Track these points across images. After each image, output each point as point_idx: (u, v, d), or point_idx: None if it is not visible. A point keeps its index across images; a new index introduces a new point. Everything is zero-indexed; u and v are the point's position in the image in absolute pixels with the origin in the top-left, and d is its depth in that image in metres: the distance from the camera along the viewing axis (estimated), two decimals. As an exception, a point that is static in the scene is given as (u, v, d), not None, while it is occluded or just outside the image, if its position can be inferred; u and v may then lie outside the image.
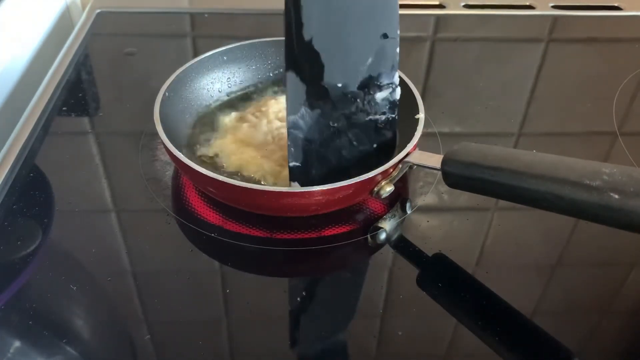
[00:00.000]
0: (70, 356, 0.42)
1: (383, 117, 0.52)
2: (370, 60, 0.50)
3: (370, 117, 0.52)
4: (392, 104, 0.52)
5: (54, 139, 0.62)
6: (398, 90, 0.52)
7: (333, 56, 0.47)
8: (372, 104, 0.51)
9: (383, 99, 0.52)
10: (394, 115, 0.53)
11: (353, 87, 0.50)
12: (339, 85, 0.49)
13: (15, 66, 0.72)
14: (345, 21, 0.47)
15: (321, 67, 0.47)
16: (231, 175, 0.54)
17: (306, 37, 0.46)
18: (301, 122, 0.48)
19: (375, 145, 0.53)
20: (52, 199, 0.54)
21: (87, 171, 0.57)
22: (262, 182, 0.53)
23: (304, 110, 0.48)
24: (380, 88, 0.51)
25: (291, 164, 0.49)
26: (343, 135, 0.51)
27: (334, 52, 0.47)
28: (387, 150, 0.54)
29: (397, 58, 0.51)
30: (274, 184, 0.53)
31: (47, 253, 0.49)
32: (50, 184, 0.56)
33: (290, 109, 0.47)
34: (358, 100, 0.50)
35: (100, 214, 0.54)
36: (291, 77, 0.46)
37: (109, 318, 0.46)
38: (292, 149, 0.48)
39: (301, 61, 0.46)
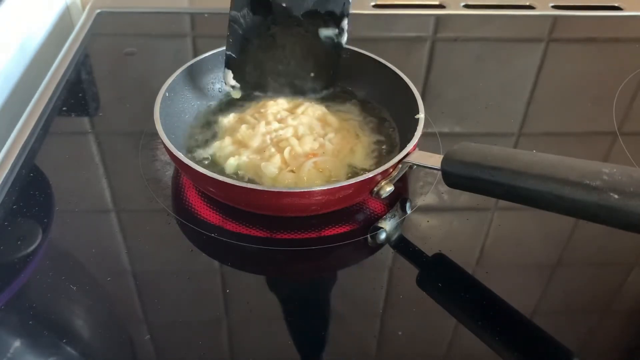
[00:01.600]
0: (70, 356, 0.42)
1: (323, 54, 0.56)
2: None
3: (311, 47, 0.56)
4: (336, 46, 0.56)
5: (54, 139, 0.62)
6: (345, 37, 0.56)
7: None
8: (315, 36, 0.55)
9: (327, 37, 0.55)
10: (336, 56, 0.57)
11: (297, 12, 0.53)
12: (283, 4, 0.52)
13: (16, 66, 0.72)
14: None
15: None
16: (229, 177, 0.54)
17: None
18: (242, 20, 0.52)
19: (311, 74, 0.58)
20: (52, 199, 0.54)
21: (87, 171, 0.57)
22: (259, 184, 0.53)
23: (246, 11, 0.51)
24: (325, 25, 0.55)
25: (227, 52, 0.53)
26: (280, 50, 0.55)
27: None
28: (321, 84, 0.59)
29: (349, 7, 0.55)
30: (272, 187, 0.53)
31: (47, 253, 0.49)
32: (50, 184, 0.56)
33: (235, 5, 0.51)
34: (301, 26, 0.54)
35: (100, 214, 0.54)
36: None
37: (109, 318, 0.46)
38: (231, 39, 0.52)
39: None
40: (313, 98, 0.61)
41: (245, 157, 0.54)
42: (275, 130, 0.57)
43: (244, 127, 0.57)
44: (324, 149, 0.55)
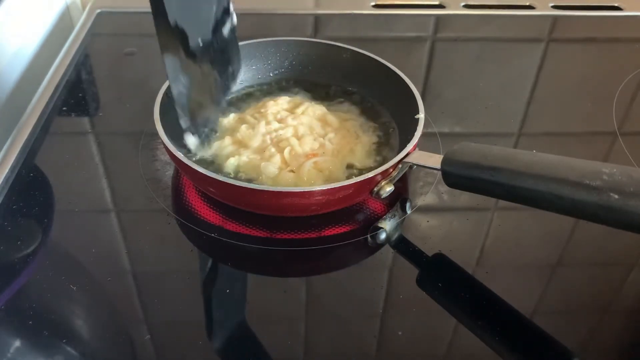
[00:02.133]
0: (70, 356, 0.42)
1: (230, 45, 0.58)
2: (214, 8, 0.55)
3: (223, 50, 0.57)
4: (232, 30, 0.58)
5: (54, 139, 0.62)
6: (235, 16, 0.57)
7: (192, 23, 0.52)
8: (222, 39, 0.57)
9: (227, 31, 0.57)
10: (234, 37, 0.59)
11: (209, 37, 0.55)
12: (200, 42, 0.54)
13: (16, 66, 0.72)
14: None
15: (186, 37, 0.52)
16: (229, 176, 0.54)
17: (172, 22, 0.50)
18: (183, 89, 0.52)
19: (230, 69, 0.60)
20: (52, 199, 0.54)
21: (87, 171, 0.57)
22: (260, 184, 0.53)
23: (182, 78, 0.52)
24: (224, 24, 0.56)
25: (184, 125, 0.54)
26: (210, 77, 0.57)
27: (192, 20, 0.52)
28: (237, 67, 0.61)
29: None
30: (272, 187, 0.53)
31: (47, 253, 0.49)
32: (50, 184, 0.56)
33: (173, 82, 0.52)
34: (214, 43, 0.55)
35: (100, 214, 0.54)
36: (169, 58, 0.51)
37: (109, 318, 0.46)
38: (182, 112, 0.53)
39: (172, 42, 0.51)
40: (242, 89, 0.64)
41: (245, 157, 0.54)
42: (275, 130, 0.57)
43: (243, 127, 0.57)
44: (324, 149, 0.55)
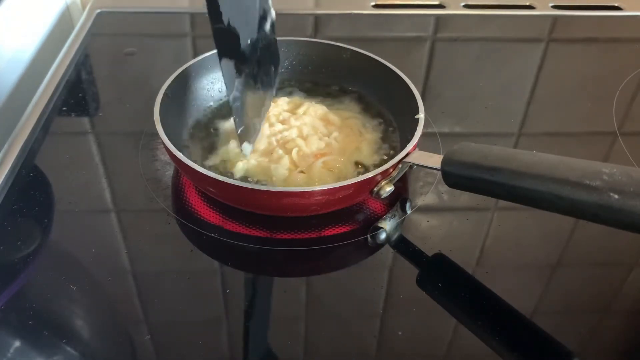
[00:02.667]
0: (70, 356, 0.42)
1: (271, 41, 0.57)
2: (257, 5, 0.54)
3: (265, 47, 0.56)
4: (272, 25, 0.57)
5: (54, 139, 0.62)
6: (273, 10, 0.56)
7: (242, 22, 0.51)
8: (264, 36, 0.56)
9: (268, 27, 0.56)
10: (274, 34, 0.58)
11: (254, 35, 0.54)
12: (249, 42, 0.53)
13: (16, 66, 0.72)
14: None
15: (237, 38, 0.51)
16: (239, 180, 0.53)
17: (225, 21, 0.49)
18: (238, 94, 0.52)
19: (272, 67, 0.59)
20: (52, 199, 0.54)
21: (87, 171, 0.57)
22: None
23: (237, 82, 0.52)
24: (265, 20, 0.55)
25: (239, 131, 0.52)
26: (258, 77, 0.56)
27: (241, 19, 0.51)
28: (277, 61, 0.60)
29: None
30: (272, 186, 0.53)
31: (47, 253, 0.49)
32: (50, 184, 0.56)
33: (229, 87, 0.51)
34: (259, 43, 0.55)
35: (100, 214, 0.54)
36: (225, 62, 0.50)
37: (109, 318, 0.46)
38: (238, 120, 0.52)
39: (227, 44, 0.50)
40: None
41: (253, 161, 0.54)
42: (280, 132, 0.57)
43: None
44: (331, 148, 0.55)
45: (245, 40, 0.52)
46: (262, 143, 0.56)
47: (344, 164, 0.54)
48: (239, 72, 0.52)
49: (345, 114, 0.61)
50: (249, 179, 0.54)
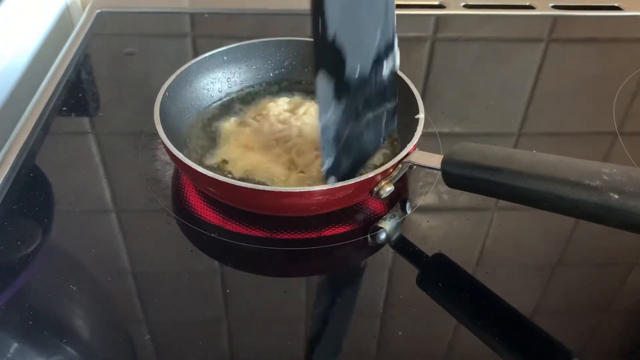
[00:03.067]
0: (70, 356, 0.42)
1: (388, 87, 0.53)
2: (378, 36, 0.49)
3: (379, 90, 0.52)
4: (392, 73, 0.53)
5: (54, 139, 0.62)
6: (398, 56, 0.52)
7: (352, 46, 0.46)
8: (380, 79, 0.51)
9: (387, 72, 0.52)
10: (394, 82, 0.53)
11: (366, 69, 0.49)
12: (357, 72, 0.48)
13: (16, 66, 0.72)
14: (358, 6, 0.46)
15: (343, 60, 0.46)
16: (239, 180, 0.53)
17: (330, 35, 0.44)
18: (332, 122, 0.47)
19: (385, 117, 0.54)
20: (52, 199, 0.54)
21: (87, 171, 0.57)
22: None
23: (333, 106, 0.46)
24: (385, 60, 0.51)
25: (326, 165, 0.48)
26: (362, 118, 0.50)
27: (352, 42, 0.46)
28: (392, 117, 0.55)
29: (395, 19, 0.51)
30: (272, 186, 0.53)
31: (47, 253, 0.49)
32: (50, 184, 0.56)
33: (322, 109, 0.46)
34: (372, 79, 0.50)
35: (100, 214, 0.54)
36: (322, 77, 0.45)
37: (109, 318, 0.46)
38: (326, 149, 0.47)
39: (329, 58, 0.45)
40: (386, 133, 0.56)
41: (253, 160, 0.54)
42: (280, 131, 0.57)
43: (247, 130, 0.57)
44: None
45: (353, 67, 0.47)
46: (262, 143, 0.56)
47: None
48: (337, 99, 0.46)
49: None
50: (248, 175, 0.54)
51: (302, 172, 0.53)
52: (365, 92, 0.50)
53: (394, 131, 0.57)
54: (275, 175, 0.53)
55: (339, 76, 0.46)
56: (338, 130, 0.48)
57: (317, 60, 0.44)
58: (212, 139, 0.59)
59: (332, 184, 0.48)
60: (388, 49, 0.51)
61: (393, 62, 0.52)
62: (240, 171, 0.54)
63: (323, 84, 0.45)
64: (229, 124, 0.60)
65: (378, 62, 0.50)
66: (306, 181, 0.53)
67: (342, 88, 0.47)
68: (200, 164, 0.53)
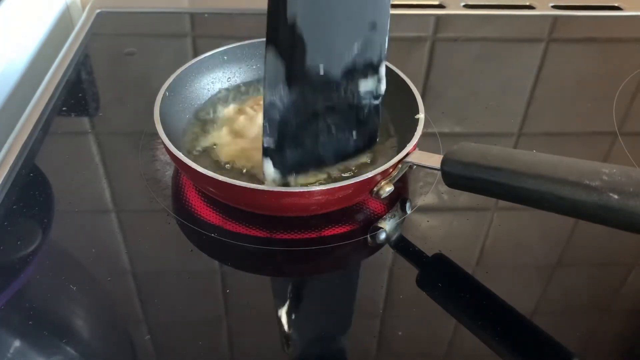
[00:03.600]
0: (70, 356, 0.42)
1: (365, 109, 0.52)
2: (356, 48, 0.48)
3: (351, 106, 0.51)
4: (377, 97, 0.52)
5: (54, 139, 0.62)
6: (384, 84, 0.52)
7: (317, 39, 0.45)
8: (355, 93, 0.50)
9: (366, 91, 0.51)
10: (377, 107, 0.52)
11: (336, 74, 0.48)
12: (321, 69, 0.47)
13: (15, 66, 0.72)
14: (332, 4, 0.45)
15: (303, 48, 0.45)
16: (224, 165, 0.55)
17: (289, 15, 0.43)
18: (279, 102, 0.47)
19: (354, 136, 0.52)
20: (52, 199, 0.54)
21: (87, 171, 0.57)
22: (257, 175, 0.53)
23: (282, 89, 0.46)
24: (365, 78, 0.50)
25: (266, 144, 0.48)
26: (321, 121, 0.50)
27: (318, 36, 0.45)
28: (366, 142, 0.54)
29: (385, 50, 0.50)
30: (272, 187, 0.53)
31: (47, 253, 0.49)
32: (50, 184, 0.56)
33: (269, 85, 0.46)
34: (340, 88, 0.49)
35: (100, 214, 0.54)
36: (271, 52, 0.45)
37: (109, 318, 0.46)
38: (268, 128, 0.47)
39: (283, 39, 0.44)
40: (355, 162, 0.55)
41: (240, 147, 0.55)
42: None
43: (242, 118, 0.58)
44: None
45: (316, 64, 0.46)
46: (252, 131, 0.56)
47: None
48: (290, 84, 0.46)
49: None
50: (227, 165, 0.55)
51: None
52: (329, 97, 0.49)
53: (369, 157, 0.55)
54: (257, 164, 0.53)
55: (294, 64, 0.46)
56: (285, 116, 0.47)
57: (268, 33, 0.44)
58: (211, 122, 0.60)
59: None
60: (368, 69, 0.50)
61: (375, 86, 0.51)
62: (226, 156, 0.55)
63: (271, 60, 0.45)
64: (227, 110, 0.60)
65: (351, 76, 0.49)
66: None
67: (297, 78, 0.46)
68: (192, 147, 0.55)
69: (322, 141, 0.51)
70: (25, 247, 0.49)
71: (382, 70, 0.51)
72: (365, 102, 0.51)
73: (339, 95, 0.49)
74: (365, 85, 0.50)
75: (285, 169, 0.50)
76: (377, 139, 0.55)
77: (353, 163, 0.54)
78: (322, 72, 0.47)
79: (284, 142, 0.48)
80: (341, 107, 0.50)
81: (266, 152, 0.49)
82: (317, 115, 0.49)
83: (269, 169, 0.50)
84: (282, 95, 0.46)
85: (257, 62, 0.65)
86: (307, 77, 0.47)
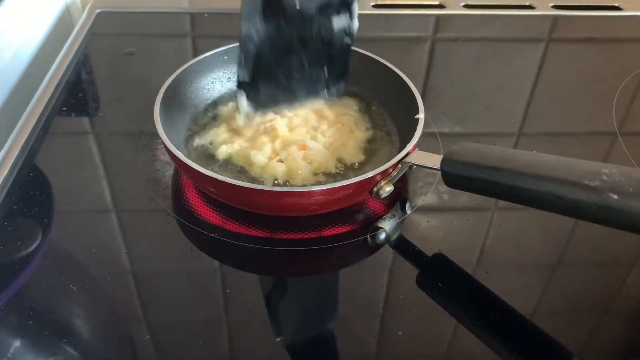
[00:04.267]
0: (70, 356, 0.42)
1: (337, 45, 0.53)
2: None
3: (324, 42, 0.52)
4: (349, 35, 0.53)
5: (54, 139, 0.62)
6: (356, 22, 0.53)
7: None
8: (328, 30, 0.52)
9: (339, 29, 0.52)
10: (349, 45, 0.54)
11: (310, 7, 0.49)
12: (297, 3, 0.49)
13: (16, 66, 0.72)
14: None
15: None
16: (224, 165, 0.55)
17: None
18: (254, 35, 0.48)
19: (325, 72, 0.54)
20: (52, 199, 0.54)
21: (87, 171, 0.57)
22: (249, 172, 0.54)
23: (258, 22, 0.47)
24: (338, 15, 0.52)
25: (240, 78, 0.49)
26: (295, 55, 0.51)
27: None
28: (337, 78, 0.55)
29: None
30: (260, 175, 0.53)
31: (47, 253, 0.49)
32: (50, 184, 0.56)
33: (245, 18, 0.47)
34: (314, 23, 0.51)
35: (100, 214, 0.54)
36: None
37: (109, 318, 0.46)
38: (243, 61, 0.49)
39: None
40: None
41: (237, 145, 0.55)
42: (270, 121, 0.57)
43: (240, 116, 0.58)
44: (315, 141, 0.55)
45: None
46: (250, 130, 0.56)
47: (325, 158, 0.54)
48: (267, 18, 0.47)
49: (341, 110, 0.61)
50: (231, 160, 0.55)
51: (280, 161, 0.54)
52: (303, 31, 0.50)
53: (337, 95, 0.57)
54: (254, 162, 0.53)
55: None
56: (260, 50, 0.49)
57: None
58: (211, 122, 0.60)
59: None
60: (341, 5, 0.51)
61: (348, 23, 0.53)
62: (224, 155, 0.55)
63: None
64: (226, 108, 0.61)
65: (325, 11, 0.51)
66: (284, 170, 0.53)
67: (274, 11, 0.48)
68: (192, 147, 0.56)
69: (294, 76, 0.52)
70: (25, 247, 0.49)
71: (355, 8, 0.52)
72: (338, 38, 0.53)
73: (313, 31, 0.51)
74: (339, 22, 0.52)
75: (258, 103, 0.52)
76: (346, 80, 0.57)
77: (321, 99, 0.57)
78: (298, 6, 0.49)
79: (258, 76, 0.50)
80: (315, 43, 0.52)
81: (240, 85, 0.50)
82: (291, 50, 0.51)
83: (243, 102, 0.51)
84: (258, 29, 0.48)
85: (257, 62, 0.65)
86: (284, 10, 0.48)
